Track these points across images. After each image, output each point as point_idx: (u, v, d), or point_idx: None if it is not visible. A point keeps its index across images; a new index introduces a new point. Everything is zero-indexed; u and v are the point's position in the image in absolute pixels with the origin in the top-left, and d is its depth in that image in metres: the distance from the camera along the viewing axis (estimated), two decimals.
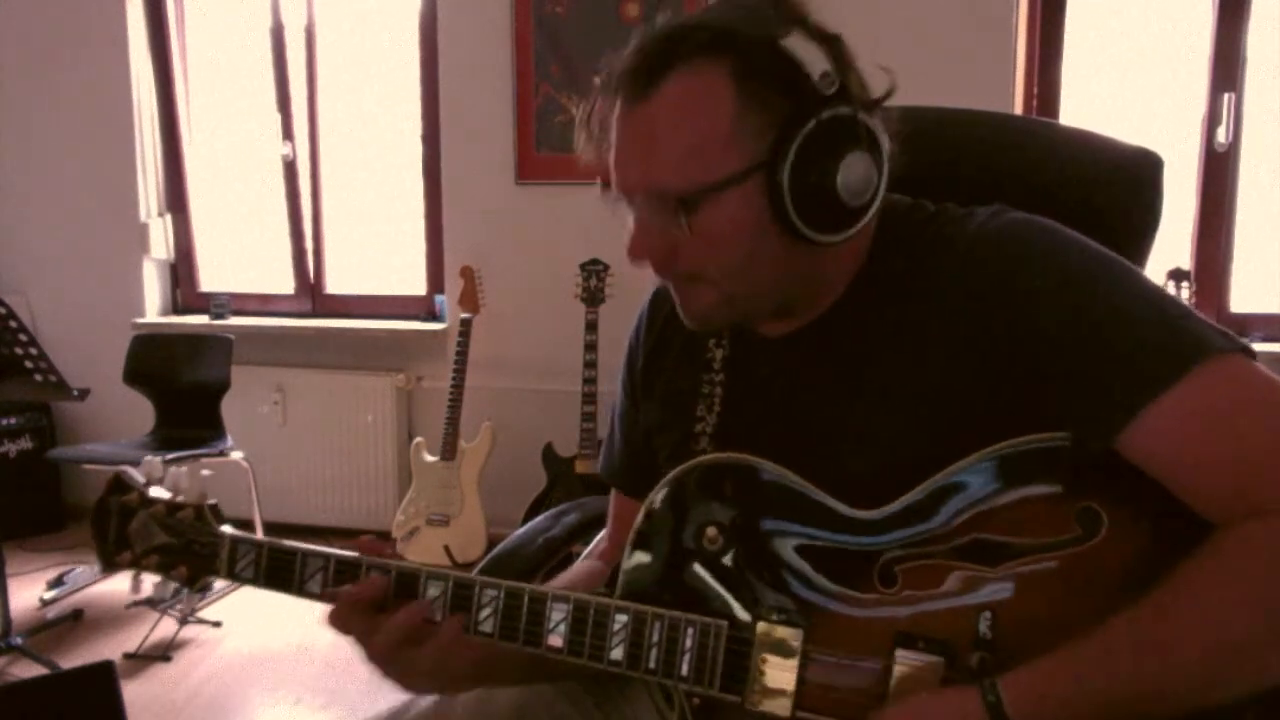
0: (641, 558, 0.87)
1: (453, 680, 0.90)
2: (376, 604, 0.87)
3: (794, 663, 0.80)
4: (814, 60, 0.79)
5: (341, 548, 0.92)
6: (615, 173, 0.85)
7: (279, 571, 0.92)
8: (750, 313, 0.90)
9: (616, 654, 0.84)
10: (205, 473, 1.00)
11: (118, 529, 0.98)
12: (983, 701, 0.72)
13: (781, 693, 0.80)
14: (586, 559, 1.14)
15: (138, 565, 0.97)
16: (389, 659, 0.87)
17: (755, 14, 0.80)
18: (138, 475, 1.00)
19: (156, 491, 0.98)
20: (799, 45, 0.79)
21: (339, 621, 0.88)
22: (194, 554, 0.95)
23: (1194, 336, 0.76)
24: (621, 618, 0.84)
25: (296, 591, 0.92)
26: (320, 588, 0.91)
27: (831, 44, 0.81)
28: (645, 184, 0.82)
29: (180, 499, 0.97)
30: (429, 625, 0.86)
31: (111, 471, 1.00)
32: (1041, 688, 0.72)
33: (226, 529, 0.95)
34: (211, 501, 0.97)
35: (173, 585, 0.98)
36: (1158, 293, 0.80)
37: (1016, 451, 0.79)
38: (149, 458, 1.02)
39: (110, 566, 0.98)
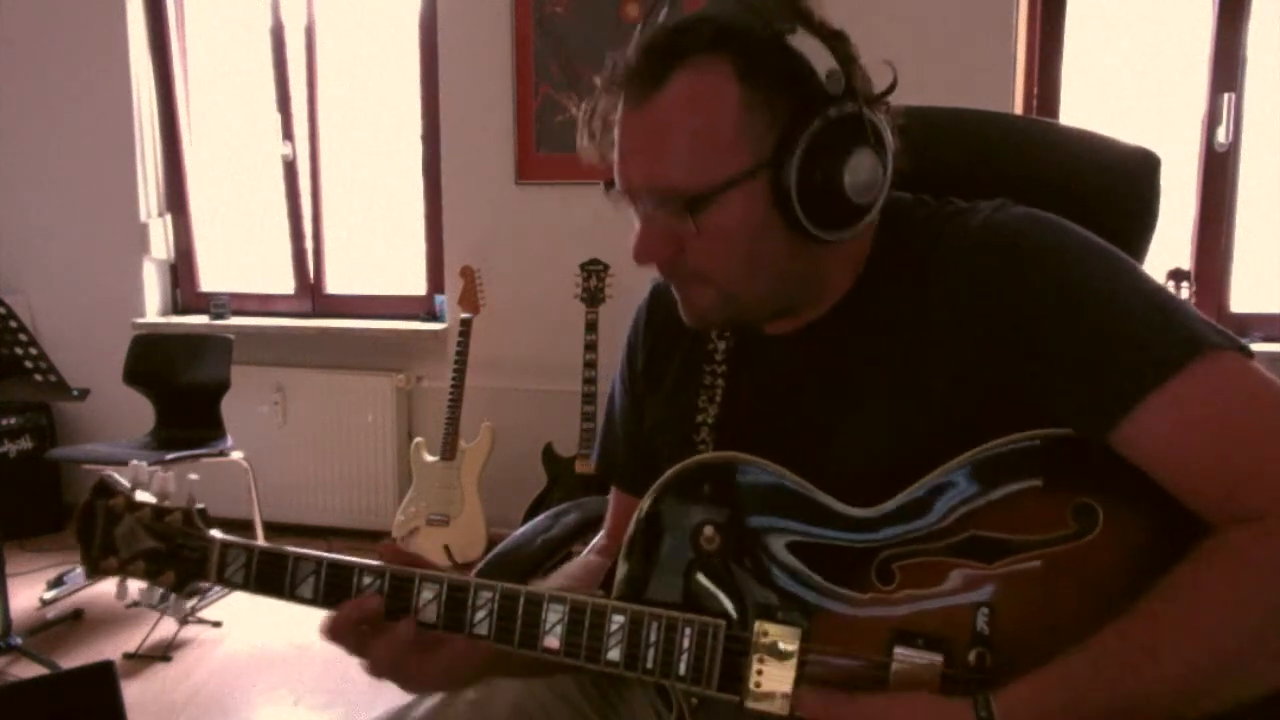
0: (636, 563, 0.87)
1: (460, 682, 0.90)
2: (370, 622, 0.86)
3: (792, 662, 0.79)
4: (820, 58, 0.79)
5: (347, 550, 0.91)
6: (620, 173, 0.84)
7: (270, 576, 0.91)
8: (750, 313, 0.89)
9: (613, 655, 0.83)
10: (192, 476, 0.97)
11: (104, 534, 0.96)
12: (975, 716, 0.72)
13: (780, 692, 0.79)
14: (587, 554, 1.13)
15: (124, 571, 0.95)
16: (391, 669, 0.86)
17: (758, 10, 0.80)
18: (124, 479, 0.98)
19: (143, 496, 0.97)
20: (805, 43, 0.79)
21: (335, 635, 0.87)
22: (182, 559, 0.94)
23: (1189, 333, 0.75)
24: (618, 618, 0.83)
25: (288, 596, 0.90)
26: (312, 592, 0.90)
27: (835, 40, 0.81)
28: (651, 184, 0.82)
29: (168, 503, 0.96)
30: (434, 634, 0.86)
31: (104, 473, 0.99)
32: (1034, 702, 0.72)
33: (216, 533, 0.94)
34: (200, 505, 0.96)
35: (159, 590, 0.95)
36: (1156, 289, 0.80)
37: (1014, 448, 0.78)
38: (135, 462, 1.00)
39: (96, 572, 0.96)
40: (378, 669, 0.86)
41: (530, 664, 0.88)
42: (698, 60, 0.79)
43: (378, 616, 0.87)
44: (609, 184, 0.87)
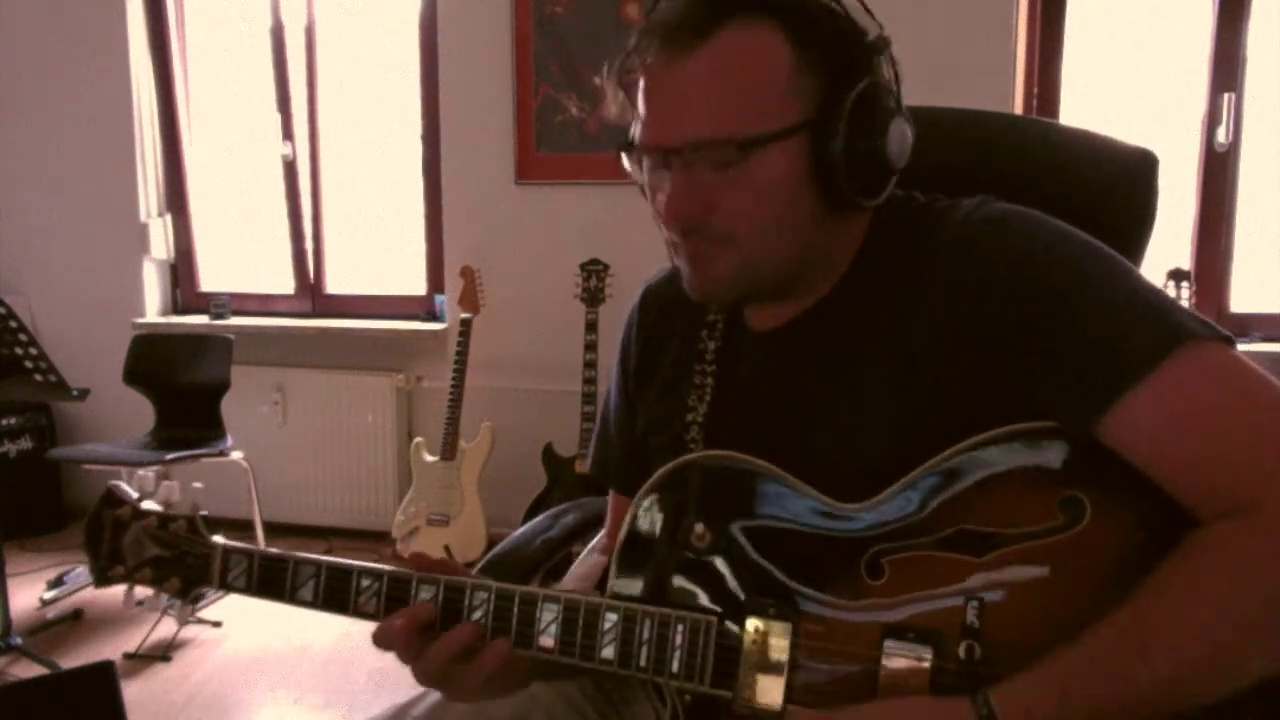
0: (629, 564, 0.87)
1: (504, 689, 0.90)
2: (424, 631, 0.86)
3: (784, 658, 0.80)
4: (868, 23, 0.82)
5: (348, 550, 0.91)
6: (654, 127, 0.83)
7: (271, 580, 0.92)
8: (761, 284, 0.88)
9: (607, 653, 0.84)
10: (196, 484, 1.00)
11: (111, 543, 0.97)
12: (976, 715, 0.72)
13: (771, 689, 0.80)
14: (590, 554, 1.14)
15: (130, 579, 0.97)
16: (440, 678, 0.86)
17: None
18: (130, 489, 1.00)
19: (149, 504, 0.98)
20: (852, 7, 0.82)
21: (386, 644, 0.86)
22: (186, 565, 0.95)
23: (1172, 323, 0.76)
24: (611, 616, 0.84)
25: (289, 600, 0.91)
26: (312, 595, 0.91)
27: (870, 13, 0.84)
28: (695, 133, 0.81)
29: (172, 511, 0.97)
30: (477, 643, 0.86)
31: (110, 474, 1.00)
32: (1032, 697, 0.72)
33: (218, 539, 0.95)
34: (203, 512, 0.97)
35: (165, 595, 0.97)
36: (1139, 281, 0.80)
37: (1000, 441, 0.79)
38: (141, 472, 1.02)
39: (104, 581, 0.98)
40: (427, 678, 0.86)
41: (568, 668, 0.89)
42: (746, 18, 0.80)
43: (432, 626, 0.86)
44: (626, 145, 0.86)
